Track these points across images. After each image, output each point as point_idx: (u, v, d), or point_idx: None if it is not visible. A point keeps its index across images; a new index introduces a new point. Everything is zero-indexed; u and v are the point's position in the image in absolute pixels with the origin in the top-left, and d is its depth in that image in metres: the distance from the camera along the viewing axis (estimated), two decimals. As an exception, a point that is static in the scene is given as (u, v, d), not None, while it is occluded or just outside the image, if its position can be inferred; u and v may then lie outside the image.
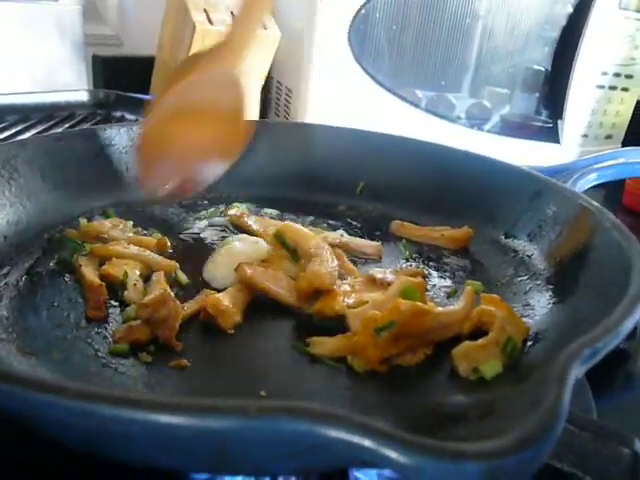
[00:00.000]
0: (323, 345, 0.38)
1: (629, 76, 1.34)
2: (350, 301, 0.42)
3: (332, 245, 0.49)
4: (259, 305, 0.44)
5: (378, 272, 0.46)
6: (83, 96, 1.03)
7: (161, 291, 0.38)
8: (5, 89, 0.95)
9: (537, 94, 1.40)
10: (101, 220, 0.54)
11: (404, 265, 0.53)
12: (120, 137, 0.62)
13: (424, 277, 0.49)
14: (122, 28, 1.35)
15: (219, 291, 0.43)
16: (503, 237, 0.55)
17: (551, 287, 0.46)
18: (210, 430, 0.20)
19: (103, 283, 0.42)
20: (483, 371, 0.37)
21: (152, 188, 0.52)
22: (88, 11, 1.23)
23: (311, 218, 0.62)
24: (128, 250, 0.46)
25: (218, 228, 0.58)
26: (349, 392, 0.35)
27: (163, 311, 0.36)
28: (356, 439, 0.19)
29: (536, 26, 1.33)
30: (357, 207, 0.64)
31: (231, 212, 0.59)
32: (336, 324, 0.41)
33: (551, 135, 1.36)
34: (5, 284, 0.43)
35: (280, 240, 0.47)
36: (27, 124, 0.88)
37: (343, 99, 1.25)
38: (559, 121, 1.35)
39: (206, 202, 0.63)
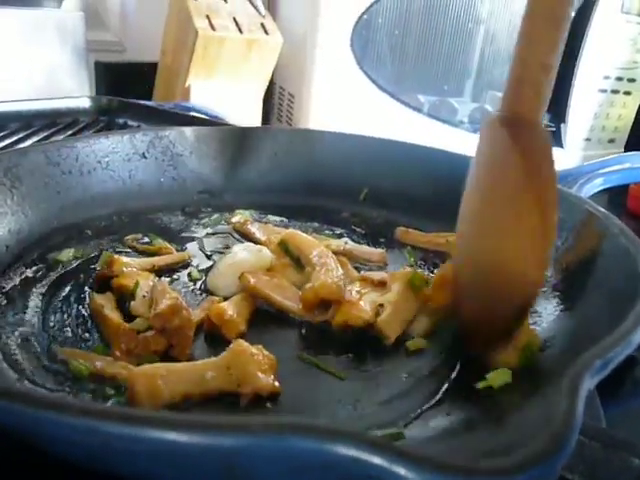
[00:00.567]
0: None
1: (631, 80, 1.34)
2: (367, 307, 0.41)
3: (336, 253, 0.49)
4: (264, 314, 0.43)
5: (370, 273, 0.47)
6: (85, 103, 1.02)
7: (173, 300, 0.38)
8: (7, 96, 0.95)
9: (539, 98, 1.40)
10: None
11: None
12: (123, 144, 0.62)
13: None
14: (124, 34, 1.35)
15: (224, 299, 0.43)
16: (508, 243, 0.54)
17: (558, 294, 0.45)
18: (216, 448, 0.19)
19: (133, 328, 0.38)
20: (491, 380, 0.36)
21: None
22: (90, 17, 1.23)
23: (315, 224, 0.61)
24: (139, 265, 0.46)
25: (221, 235, 0.57)
26: (358, 403, 0.35)
27: (176, 320, 0.36)
28: (365, 456, 0.19)
29: (538, 30, 1.33)
30: (361, 213, 0.64)
31: (234, 219, 0.59)
32: (342, 334, 0.41)
33: (554, 139, 1.36)
34: (6, 294, 0.43)
35: (284, 248, 0.46)
36: (29, 131, 0.88)
37: (345, 104, 1.25)
38: (562, 125, 1.35)
39: (209, 209, 0.62)
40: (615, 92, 1.33)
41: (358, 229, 0.61)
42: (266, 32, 1.17)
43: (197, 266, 0.50)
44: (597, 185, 0.58)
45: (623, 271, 0.39)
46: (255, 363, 0.34)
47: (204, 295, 0.45)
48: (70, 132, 0.91)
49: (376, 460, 0.18)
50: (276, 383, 0.34)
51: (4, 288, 0.44)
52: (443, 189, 0.61)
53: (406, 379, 0.37)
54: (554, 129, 1.38)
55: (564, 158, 1.35)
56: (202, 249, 0.54)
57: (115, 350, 0.37)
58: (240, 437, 0.19)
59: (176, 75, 1.18)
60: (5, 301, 0.42)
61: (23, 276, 0.46)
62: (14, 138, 0.84)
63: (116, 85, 1.29)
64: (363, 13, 1.16)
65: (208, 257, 0.52)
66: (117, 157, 0.61)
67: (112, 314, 0.40)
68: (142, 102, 1.04)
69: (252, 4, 1.18)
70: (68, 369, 0.35)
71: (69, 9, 1.20)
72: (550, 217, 0.35)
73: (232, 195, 0.65)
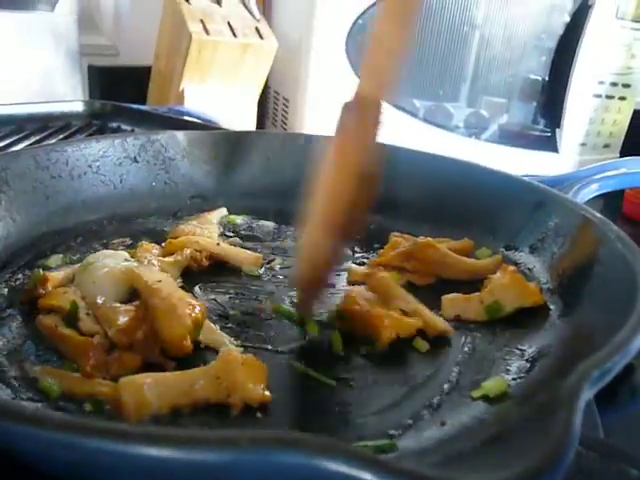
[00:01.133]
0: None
1: (626, 85, 1.34)
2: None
3: (205, 252, 0.49)
4: (255, 321, 0.43)
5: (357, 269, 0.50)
6: (78, 106, 1.02)
7: (130, 313, 0.37)
8: (0, 100, 0.94)
9: (535, 103, 1.40)
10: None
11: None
12: (114, 148, 0.61)
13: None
14: (118, 38, 1.35)
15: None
16: (504, 249, 0.54)
17: (555, 300, 0.45)
18: (201, 463, 0.18)
19: (100, 342, 0.36)
20: (487, 389, 0.36)
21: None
22: (84, 21, 1.23)
23: (308, 230, 0.61)
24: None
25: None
26: (350, 413, 0.34)
27: (139, 333, 0.35)
28: (355, 472, 0.18)
29: (533, 35, 1.33)
30: (355, 219, 0.63)
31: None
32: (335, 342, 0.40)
33: (549, 144, 1.36)
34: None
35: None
36: (21, 135, 0.87)
37: (340, 109, 1.25)
38: (557, 130, 1.35)
39: (201, 214, 0.62)
40: (610, 97, 1.33)
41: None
42: (261, 36, 1.16)
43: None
44: (593, 190, 0.58)
45: (620, 278, 0.39)
46: (245, 372, 0.33)
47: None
48: (62, 136, 0.90)
49: (366, 476, 0.18)
50: (267, 393, 0.33)
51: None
52: (438, 194, 0.60)
53: (399, 388, 0.36)
54: (549, 134, 1.38)
55: (559, 163, 1.35)
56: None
57: (85, 367, 0.35)
58: (226, 452, 0.18)
59: (170, 79, 1.17)
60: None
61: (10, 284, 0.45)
62: (6, 142, 0.83)
63: (109, 89, 1.28)
64: (358, 17, 1.16)
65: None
66: (108, 161, 0.60)
67: (70, 332, 0.38)
68: (135, 106, 1.03)
69: (247, 8, 1.18)
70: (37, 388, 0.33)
71: (62, 13, 1.19)
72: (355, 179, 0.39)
73: (224, 200, 0.64)
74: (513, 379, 0.37)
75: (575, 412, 0.22)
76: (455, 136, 1.34)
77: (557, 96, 1.33)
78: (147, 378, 0.33)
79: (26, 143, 0.84)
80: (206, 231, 0.54)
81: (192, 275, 0.48)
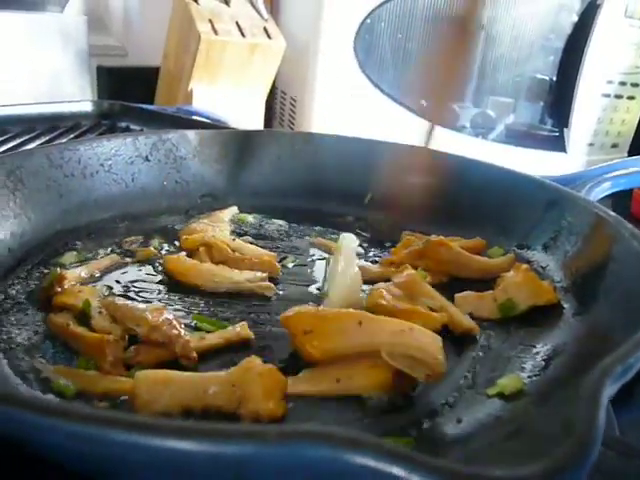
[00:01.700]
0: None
1: (635, 84, 1.33)
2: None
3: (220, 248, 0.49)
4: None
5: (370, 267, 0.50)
6: (88, 106, 1.02)
7: (160, 311, 0.37)
8: (10, 100, 0.95)
9: (542, 103, 1.39)
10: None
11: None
12: (126, 147, 0.61)
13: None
14: (127, 38, 1.35)
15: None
16: (516, 248, 0.54)
17: (569, 299, 0.45)
18: (226, 457, 0.18)
19: (117, 339, 0.36)
20: (502, 387, 0.35)
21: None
22: (93, 22, 1.23)
23: (318, 228, 0.61)
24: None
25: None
26: (365, 410, 0.34)
27: (173, 330, 0.35)
28: (383, 466, 0.18)
29: (541, 35, 1.32)
30: (366, 217, 0.63)
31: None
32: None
33: (557, 144, 1.36)
34: (11, 297, 0.42)
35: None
36: (32, 135, 0.87)
37: (348, 108, 1.25)
38: (565, 130, 1.35)
39: (213, 212, 0.62)
40: (618, 97, 1.33)
41: (363, 233, 0.60)
42: (269, 36, 1.17)
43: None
44: (605, 189, 0.58)
45: (635, 275, 0.39)
46: (261, 384, 0.31)
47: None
48: (72, 136, 0.90)
49: (395, 470, 0.18)
50: (279, 409, 0.31)
51: (7, 293, 0.43)
52: (450, 192, 0.60)
53: (415, 385, 0.36)
54: (557, 134, 1.38)
55: (567, 163, 1.35)
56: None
57: (103, 364, 0.35)
58: (252, 445, 0.18)
59: (178, 79, 1.18)
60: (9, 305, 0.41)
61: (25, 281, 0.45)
62: (17, 141, 0.83)
63: (118, 89, 1.29)
64: (366, 17, 1.16)
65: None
66: (120, 160, 0.61)
67: (82, 330, 0.38)
68: (144, 106, 1.04)
69: (255, 8, 1.18)
70: (51, 388, 0.33)
71: (72, 13, 1.20)
72: None
73: (235, 199, 0.64)
74: (528, 377, 0.37)
75: (599, 407, 0.22)
76: (462, 136, 1.34)
77: (565, 96, 1.33)
78: (162, 375, 0.33)
79: (37, 143, 0.84)
80: (218, 229, 0.54)
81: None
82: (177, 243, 0.54)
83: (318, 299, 0.46)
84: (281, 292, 0.47)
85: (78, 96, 1.16)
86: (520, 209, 0.55)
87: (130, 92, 1.20)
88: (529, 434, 0.26)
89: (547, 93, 1.39)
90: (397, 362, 0.34)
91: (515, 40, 1.33)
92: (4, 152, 0.77)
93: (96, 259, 0.49)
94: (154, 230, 0.57)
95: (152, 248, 0.51)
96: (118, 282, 0.46)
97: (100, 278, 0.47)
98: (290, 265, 0.52)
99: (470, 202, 0.59)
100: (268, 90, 1.27)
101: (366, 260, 0.54)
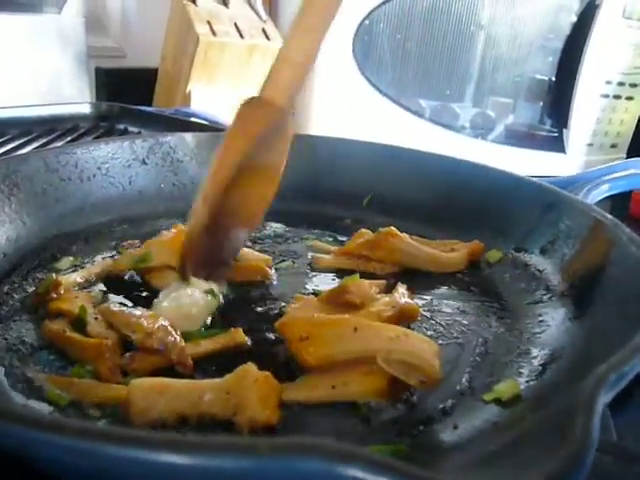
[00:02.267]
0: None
1: (633, 85, 1.33)
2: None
3: None
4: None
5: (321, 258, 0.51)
6: (86, 108, 1.02)
7: (155, 317, 0.37)
8: (7, 102, 0.95)
9: (541, 103, 1.39)
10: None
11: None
12: (123, 150, 0.61)
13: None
14: (125, 40, 1.35)
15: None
16: (514, 251, 0.53)
17: (566, 303, 0.45)
18: (219, 470, 0.18)
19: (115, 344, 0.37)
20: (499, 392, 0.35)
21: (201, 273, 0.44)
22: (91, 23, 1.23)
23: (317, 231, 0.61)
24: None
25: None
26: (362, 417, 0.34)
27: (170, 337, 0.35)
28: (374, 478, 0.18)
29: (540, 35, 1.32)
30: (364, 220, 0.63)
31: None
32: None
33: (556, 144, 1.36)
34: (6, 303, 0.42)
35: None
36: (29, 137, 0.87)
37: (347, 110, 1.25)
38: (564, 130, 1.35)
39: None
40: (617, 97, 1.33)
41: (361, 236, 0.60)
42: (267, 37, 1.16)
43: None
44: (603, 191, 0.58)
45: (633, 280, 0.39)
46: (257, 392, 0.31)
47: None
48: (70, 138, 0.90)
49: (387, 483, 0.18)
50: (274, 416, 0.31)
51: (2, 298, 0.43)
52: (447, 195, 0.60)
53: (410, 392, 0.36)
54: (556, 134, 1.37)
55: (566, 163, 1.34)
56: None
57: (101, 369, 0.34)
58: (244, 459, 0.18)
59: (177, 81, 1.17)
60: (4, 311, 0.41)
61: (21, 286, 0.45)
62: (14, 144, 0.83)
63: (116, 90, 1.29)
64: (364, 18, 1.16)
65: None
66: (117, 163, 0.60)
67: (79, 336, 0.37)
68: (142, 108, 1.04)
69: (253, 9, 1.18)
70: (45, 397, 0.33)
71: (70, 15, 1.19)
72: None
73: (233, 202, 0.64)
74: (526, 382, 0.37)
75: (593, 417, 0.22)
76: (461, 136, 1.34)
77: (564, 96, 1.33)
78: (157, 382, 0.32)
79: (34, 145, 0.84)
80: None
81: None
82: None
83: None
84: (276, 297, 0.47)
85: (76, 97, 1.16)
86: (518, 212, 0.55)
87: (128, 93, 1.20)
88: (527, 442, 0.26)
89: (546, 93, 1.39)
90: (392, 368, 0.34)
91: (514, 40, 1.33)
92: (2, 155, 0.77)
93: (92, 264, 0.49)
94: (151, 234, 0.56)
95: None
96: (113, 287, 0.46)
97: (95, 283, 0.46)
98: (286, 269, 0.52)
99: (468, 205, 0.59)
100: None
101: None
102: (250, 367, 0.33)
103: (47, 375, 0.35)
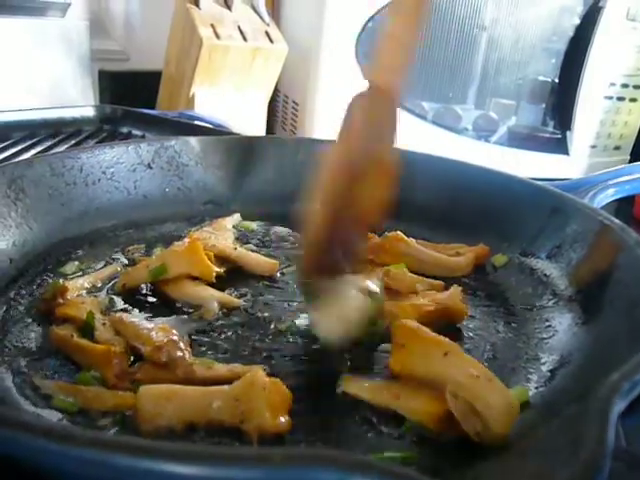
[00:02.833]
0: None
1: (637, 87, 1.33)
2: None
3: (223, 257, 0.49)
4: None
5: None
6: (89, 112, 1.02)
7: (165, 331, 0.37)
8: (11, 105, 0.95)
9: (544, 105, 1.39)
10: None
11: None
12: (128, 155, 0.61)
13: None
14: (129, 43, 1.35)
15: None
16: (520, 255, 0.53)
17: (573, 308, 0.44)
18: (232, 480, 0.18)
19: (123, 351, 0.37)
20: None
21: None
22: (95, 26, 1.23)
23: (322, 235, 0.60)
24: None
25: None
26: (370, 425, 0.34)
27: (178, 352, 0.35)
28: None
29: (543, 37, 1.32)
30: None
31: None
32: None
33: (559, 146, 1.35)
34: (13, 308, 0.42)
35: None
36: (33, 141, 0.87)
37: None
38: (567, 132, 1.34)
39: (216, 220, 0.61)
40: (621, 99, 1.32)
41: (366, 240, 0.60)
42: (271, 40, 1.16)
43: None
44: (609, 195, 0.57)
45: (640, 284, 0.38)
46: (266, 399, 0.31)
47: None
48: (74, 141, 0.90)
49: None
50: (284, 423, 0.31)
51: (9, 304, 0.43)
52: (452, 199, 0.60)
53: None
54: (559, 136, 1.37)
55: (569, 165, 1.34)
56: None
57: (109, 375, 0.34)
58: (259, 469, 0.18)
59: (180, 84, 1.17)
60: (11, 317, 0.41)
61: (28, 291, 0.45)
62: (18, 148, 0.83)
63: (120, 94, 1.29)
64: (368, 21, 1.15)
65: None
66: (122, 167, 0.60)
67: (87, 342, 0.37)
68: (146, 111, 1.04)
69: (257, 12, 1.18)
70: (53, 404, 0.33)
71: (73, 18, 1.19)
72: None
73: (238, 205, 0.64)
74: (535, 388, 0.37)
75: (608, 427, 0.21)
76: (464, 139, 1.33)
77: (567, 98, 1.32)
78: (165, 389, 0.32)
79: (38, 149, 0.84)
80: (221, 237, 0.54)
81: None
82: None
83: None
84: (284, 300, 0.47)
85: (80, 101, 1.16)
86: (524, 216, 0.55)
87: (132, 97, 1.20)
88: (540, 451, 0.26)
89: (549, 95, 1.39)
90: (454, 405, 0.32)
91: (517, 42, 1.33)
92: (6, 158, 0.77)
93: (98, 268, 0.49)
94: (157, 238, 0.57)
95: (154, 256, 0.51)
96: (120, 293, 0.46)
97: (102, 288, 0.46)
98: (293, 274, 0.52)
99: (474, 209, 0.58)
100: (270, 94, 1.27)
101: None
102: (259, 373, 0.32)
103: (54, 382, 0.35)
